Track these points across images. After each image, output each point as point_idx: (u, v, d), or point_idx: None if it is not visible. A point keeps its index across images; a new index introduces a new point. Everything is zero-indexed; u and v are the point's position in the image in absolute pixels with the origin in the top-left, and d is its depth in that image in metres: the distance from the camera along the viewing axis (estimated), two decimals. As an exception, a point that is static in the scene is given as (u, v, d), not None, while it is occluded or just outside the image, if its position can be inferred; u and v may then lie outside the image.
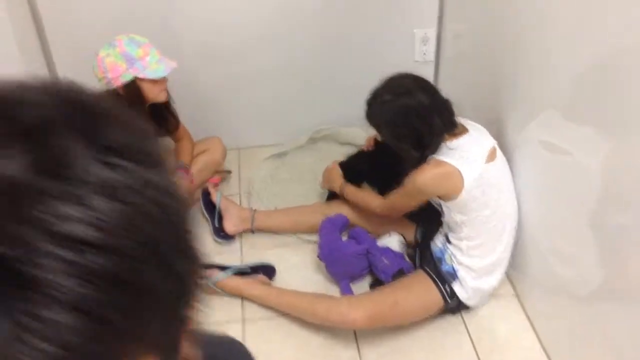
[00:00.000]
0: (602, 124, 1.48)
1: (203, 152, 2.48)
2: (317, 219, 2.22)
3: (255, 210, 2.33)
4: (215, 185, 2.49)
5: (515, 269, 1.96)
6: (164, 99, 2.17)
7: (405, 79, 1.81)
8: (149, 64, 2.04)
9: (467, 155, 1.75)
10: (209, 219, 2.35)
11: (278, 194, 2.48)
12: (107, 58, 2.02)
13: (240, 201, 2.48)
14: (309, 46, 2.55)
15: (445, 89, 1.90)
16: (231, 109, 2.69)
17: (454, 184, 1.74)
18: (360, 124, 2.65)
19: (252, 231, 2.32)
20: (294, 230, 2.30)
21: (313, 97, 2.68)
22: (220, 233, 2.31)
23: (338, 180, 2.21)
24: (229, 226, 2.29)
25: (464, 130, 1.80)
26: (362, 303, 1.85)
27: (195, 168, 2.42)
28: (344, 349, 1.88)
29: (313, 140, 2.73)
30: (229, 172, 2.62)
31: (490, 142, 1.82)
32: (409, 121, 1.75)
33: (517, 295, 2.00)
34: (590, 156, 1.54)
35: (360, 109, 2.66)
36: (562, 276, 1.74)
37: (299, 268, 2.18)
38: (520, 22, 1.85)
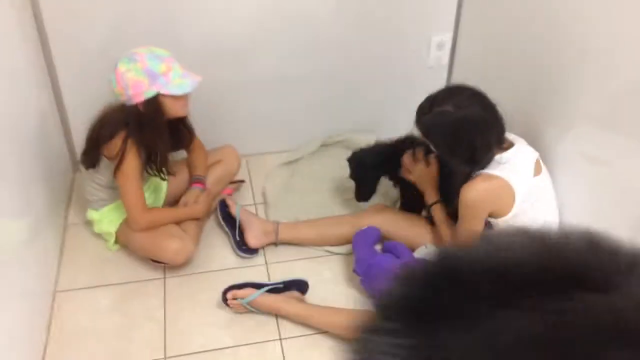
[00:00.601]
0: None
1: (217, 162, 2.39)
2: (344, 230, 2.18)
3: (278, 223, 2.27)
4: (229, 195, 2.41)
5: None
6: (185, 113, 2.08)
7: (466, 90, 1.72)
8: (172, 80, 1.94)
9: (517, 169, 1.72)
10: (229, 232, 2.27)
11: (296, 204, 2.41)
12: (128, 73, 1.91)
13: (256, 212, 2.41)
14: (319, 51, 2.48)
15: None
16: (238, 115, 2.60)
17: (506, 199, 1.71)
18: (372, 129, 2.64)
19: (276, 244, 2.26)
20: (320, 243, 2.24)
21: (323, 103, 2.62)
22: (243, 247, 2.24)
23: (433, 194, 2.02)
24: (252, 240, 2.22)
25: (511, 143, 1.77)
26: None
27: (210, 179, 2.34)
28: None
29: (325, 146, 2.67)
30: (242, 181, 2.54)
31: (534, 154, 1.80)
32: (467, 135, 1.68)
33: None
34: (632, 166, 1.56)
35: (372, 113, 2.65)
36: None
37: (329, 282, 2.14)
38: (554, 34, 1.84)
